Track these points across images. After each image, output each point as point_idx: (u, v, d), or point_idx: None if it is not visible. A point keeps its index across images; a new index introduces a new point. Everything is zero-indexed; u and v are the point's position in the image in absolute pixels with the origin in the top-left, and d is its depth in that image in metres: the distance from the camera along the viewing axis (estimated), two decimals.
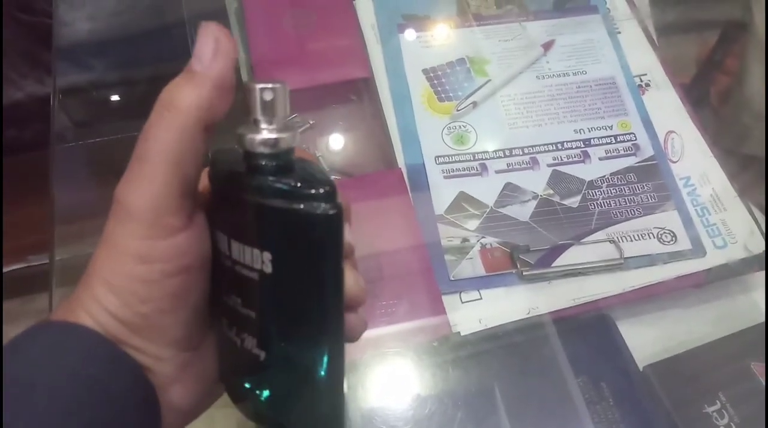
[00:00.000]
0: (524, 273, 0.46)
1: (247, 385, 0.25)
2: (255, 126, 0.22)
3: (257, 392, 0.24)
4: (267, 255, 0.22)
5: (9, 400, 0.20)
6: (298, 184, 0.21)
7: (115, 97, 0.62)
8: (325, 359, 0.23)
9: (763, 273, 0.49)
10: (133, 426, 0.23)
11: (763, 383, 0.44)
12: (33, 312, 1.07)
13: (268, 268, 0.22)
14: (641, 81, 0.57)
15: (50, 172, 0.51)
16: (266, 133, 0.22)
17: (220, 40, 0.22)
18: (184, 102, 0.22)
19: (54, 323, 0.23)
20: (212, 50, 0.22)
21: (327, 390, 0.24)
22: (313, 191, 0.21)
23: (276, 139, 0.22)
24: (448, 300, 0.45)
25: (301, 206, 0.21)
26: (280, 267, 0.22)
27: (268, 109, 0.22)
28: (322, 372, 0.23)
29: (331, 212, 0.21)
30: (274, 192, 0.21)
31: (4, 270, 1.05)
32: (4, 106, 0.81)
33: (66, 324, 0.23)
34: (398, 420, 0.41)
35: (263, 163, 0.22)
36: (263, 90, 0.22)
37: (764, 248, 0.49)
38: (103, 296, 0.23)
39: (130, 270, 0.23)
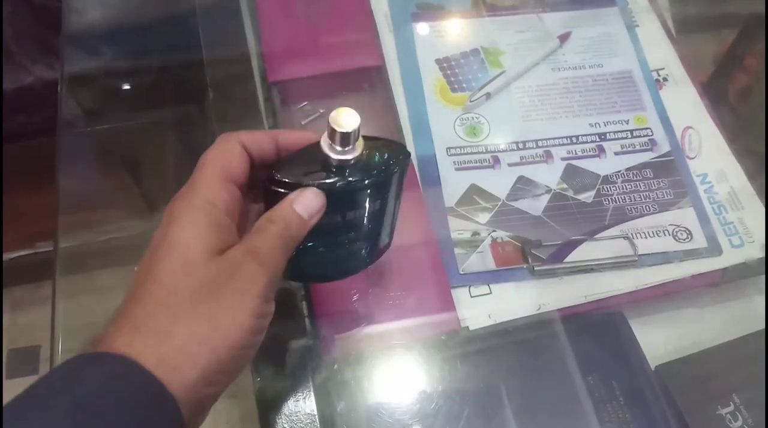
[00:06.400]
0: (535, 268, 0.45)
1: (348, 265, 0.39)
2: (344, 148, 0.31)
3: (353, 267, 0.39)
4: (377, 203, 0.34)
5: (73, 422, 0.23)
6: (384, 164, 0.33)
7: (124, 85, 0.61)
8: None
9: None
10: None
11: None
12: (40, 299, 1.07)
13: (377, 206, 0.34)
14: (659, 75, 0.56)
15: (57, 159, 0.51)
16: (355, 151, 0.31)
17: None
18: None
19: (122, 360, 0.25)
20: (318, 208, 0.31)
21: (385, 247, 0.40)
22: (393, 160, 0.33)
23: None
24: (457, 294, 0.44)
25: (394, 169, 0.33)
26: (383, 201, 0.34)
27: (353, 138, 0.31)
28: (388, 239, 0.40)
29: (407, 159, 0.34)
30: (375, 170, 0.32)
31: (12, 255, 1.05)
32: (14, 91, 0.81)
33: (134, 366, 0.25)
34: (404, 414, 0.40)
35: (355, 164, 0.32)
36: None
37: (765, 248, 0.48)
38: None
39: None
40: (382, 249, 0.40)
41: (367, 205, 0.33)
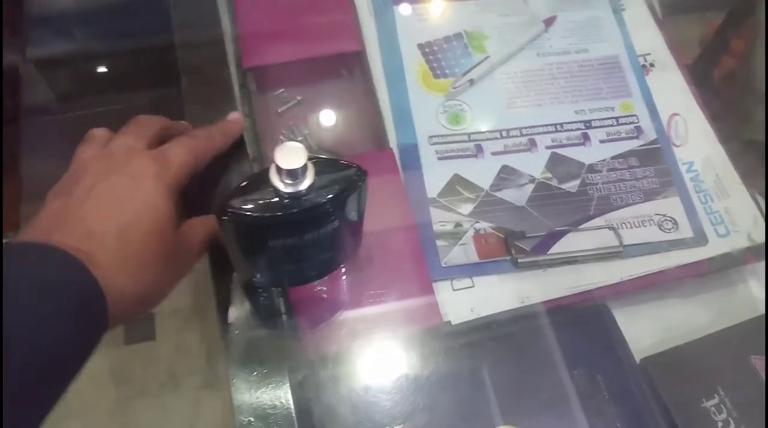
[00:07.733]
0: (519, 260, 0.44)
1: (312, 273, 0.40)
2: (294, 181, 0.30)
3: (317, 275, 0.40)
4: (336, 222, 0.34)
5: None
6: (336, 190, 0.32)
7: (98, 69, 0.59)
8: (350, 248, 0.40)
9: (764, 263, 0.47)
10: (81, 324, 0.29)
11: (763, 377, 0.42)
12: None
13: (337, 225, 0.34)
14: (645, 61, 0.55)
15: (20, 145, 0.49)
16: (306, 181, 0.31)
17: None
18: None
19: (47, 249, 0.29)
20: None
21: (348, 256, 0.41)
22: (347, 184, 0.33)
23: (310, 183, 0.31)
24: (439, 287, 0.43)
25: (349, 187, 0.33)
26: (342, 219, 0.34)
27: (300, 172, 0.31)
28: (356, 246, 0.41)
29: (361, 181, 0.33)
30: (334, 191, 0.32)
31: None
32: None
33: (55, 251, 0.29)
34: (385, 412, 0.39)
35: (305, 193, 0.31)
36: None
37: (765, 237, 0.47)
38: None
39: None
40: (350, 254, 0.41)
41: (325, 227, 0.33)
